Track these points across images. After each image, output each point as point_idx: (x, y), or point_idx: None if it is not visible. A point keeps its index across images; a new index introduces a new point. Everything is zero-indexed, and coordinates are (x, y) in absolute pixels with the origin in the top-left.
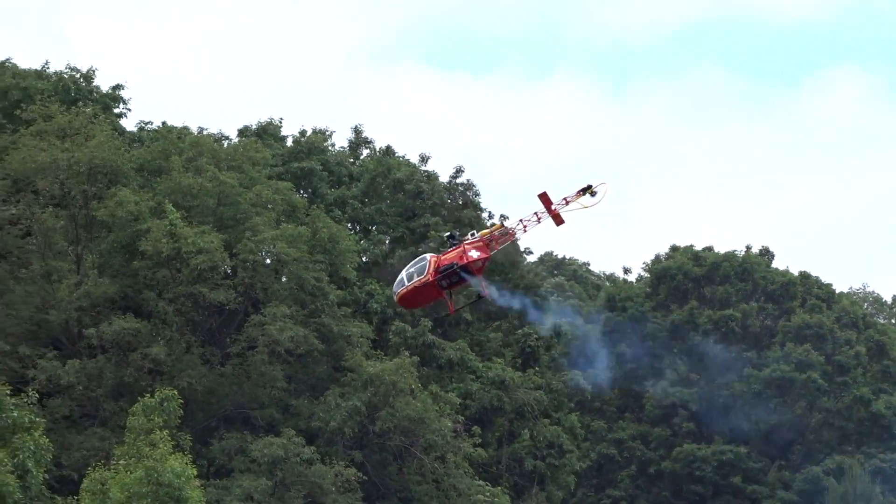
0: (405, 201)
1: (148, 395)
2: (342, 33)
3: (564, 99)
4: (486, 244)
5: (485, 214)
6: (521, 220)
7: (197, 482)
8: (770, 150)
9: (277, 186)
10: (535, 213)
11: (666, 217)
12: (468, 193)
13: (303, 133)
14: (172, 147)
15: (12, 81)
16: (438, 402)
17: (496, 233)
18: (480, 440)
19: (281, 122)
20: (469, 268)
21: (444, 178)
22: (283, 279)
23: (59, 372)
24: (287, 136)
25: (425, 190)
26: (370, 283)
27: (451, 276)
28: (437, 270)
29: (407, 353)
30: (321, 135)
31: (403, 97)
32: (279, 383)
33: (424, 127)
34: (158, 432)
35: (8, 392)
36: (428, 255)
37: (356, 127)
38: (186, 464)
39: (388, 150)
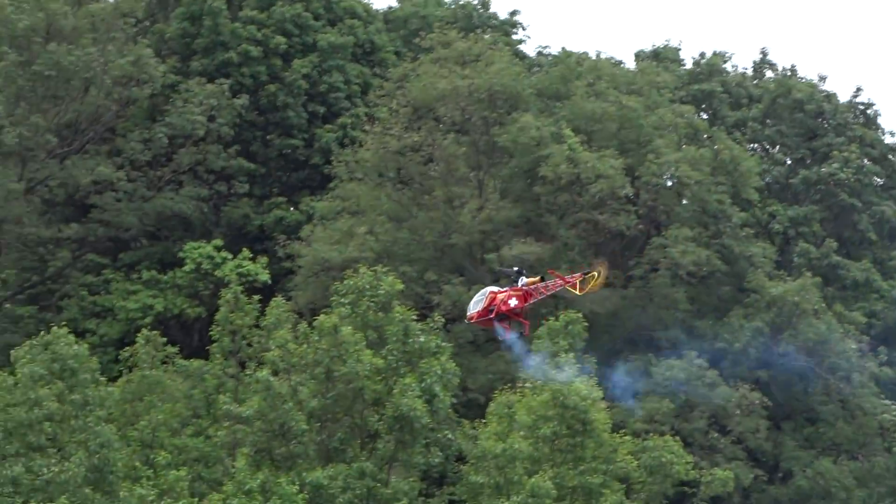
0: (806, 121)
1: (553, 318)
2: None
3: None
4: (526, 294)
5: (886, 137)
6: (557, 280)
7: (602, 404)
8: None
9: (679, 109)
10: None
11: None
12: (868, 113)
13: (702, 55)
14: (572, 72)
15: (412, 10)
16: (843, 322)
17: (539, 285)
18: (886, 359)
19: (680, 45)
20: (506, 313)
21: (843, 98)
22: (685, 202)
23: (463, 297)
24: (684, 60)
25: (826, 110)
26: (772, 204)
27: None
28: (487, 307)
29: (809, 274)
30: (720, 56)
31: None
32: (682, 305)
33: (825, 48)
34: (564, 355)
35: (414, 317)
36: (488, 290)
37: (762, 49)
38: (592, 386)
39: (793, 71)
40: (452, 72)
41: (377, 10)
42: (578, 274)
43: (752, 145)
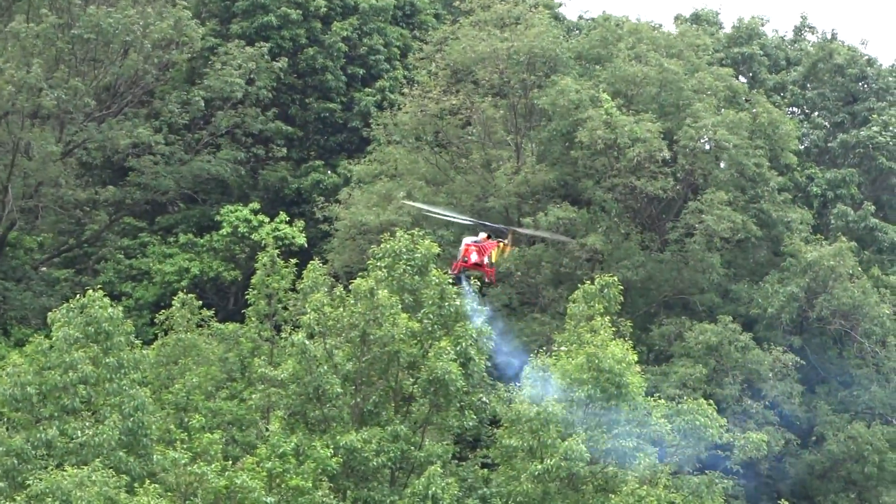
0: (847, 85)
1: (588, 281)
2: None
3: None
4: (481, 249)
5: None
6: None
7: (637, 368)
8: None
9: (718, 73)
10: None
11: None
12: None
13: (740, 21)
14: (612, 35)
15: None
16: (879, 286)
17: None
18: None
19: (719, 10)
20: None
21: (885, 63)
22: (723, 165)
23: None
24: (723, 23)
25: (869, 74)
26: (810, 167)
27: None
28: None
29: (844, 238)
30: (758, 20)
31: None
32: (717, 270)
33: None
34: (599, 319)
35: (450, 280)
36: (464, 242)
37: (802, 14)
38: (627, 350)
39: (833, 36)
40: (492, 35)
41: None
42: (495, 241)
43: (791, 108)
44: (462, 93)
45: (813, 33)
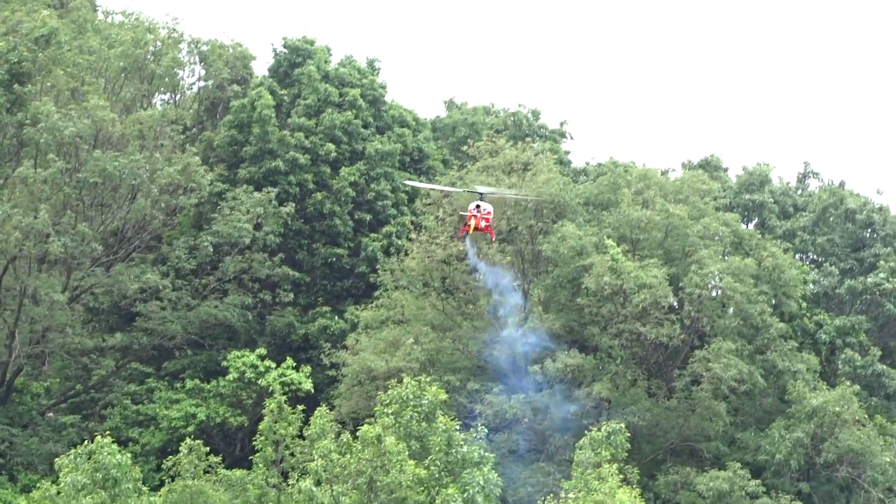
0: (855, 231)
1: (595, 428)
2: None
3: None
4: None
5: None
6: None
7: None
8: None
9: (724, 218)
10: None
11: None
12: None
13: (747, 169)
14: (621, 179)
15: (460, 118)
16: (884, 434)
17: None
18: None
19: (724, 160)
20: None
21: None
22: (730, 311)
23: (504, 406)
24: (729, 169)
25: (877, 220)
26: (819, 314)
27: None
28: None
29: (848, 383)
30: (766, 166)
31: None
32: (724, 417)
33: (874, 162)
34: (606, 466)
35: (457, 427)
36: (471, 206)
37: (805, 161)
38: (635, 497)
39: (841, 184)
40: (499, 180)
41: (426, 119)
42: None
43: (800, 256)
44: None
45: (818, 180)
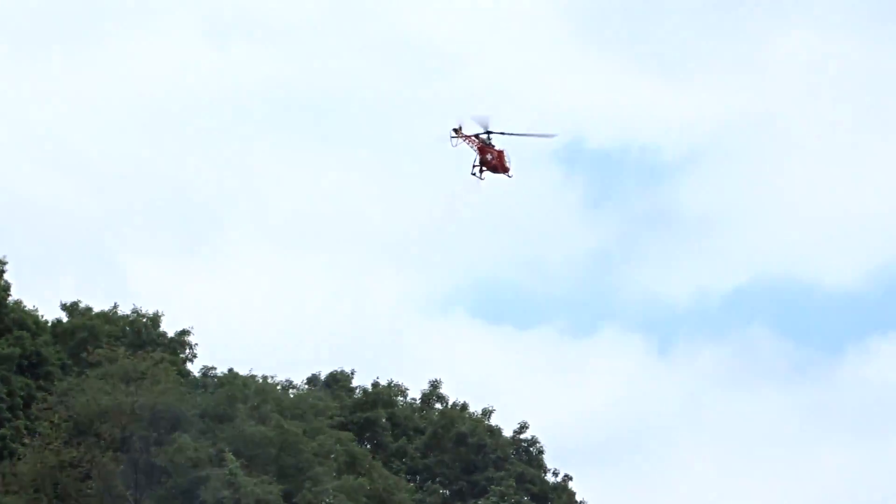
0: (467, 455)
1: None
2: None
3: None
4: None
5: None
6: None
7: None
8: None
9: (339, 436)
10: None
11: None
12: (531, 450)
13: (375, 385)
14: (238, 393)
15: (80, 322)
16: None
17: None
18: None
19: (353, 374)
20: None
21: (508, 432)
22: None
23: None
24: (356, 387)
25: (488, 444)
26: None
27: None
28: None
29: None
30: (395, 387)
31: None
32: None
33: (492, 384)
34: None
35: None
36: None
37: (433, 381)
38: None
39: (463, 406)
40: (117, 388)
41: (46, 322)
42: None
43: (410, 475)
44: (83, 445)
45: (442, 402)
